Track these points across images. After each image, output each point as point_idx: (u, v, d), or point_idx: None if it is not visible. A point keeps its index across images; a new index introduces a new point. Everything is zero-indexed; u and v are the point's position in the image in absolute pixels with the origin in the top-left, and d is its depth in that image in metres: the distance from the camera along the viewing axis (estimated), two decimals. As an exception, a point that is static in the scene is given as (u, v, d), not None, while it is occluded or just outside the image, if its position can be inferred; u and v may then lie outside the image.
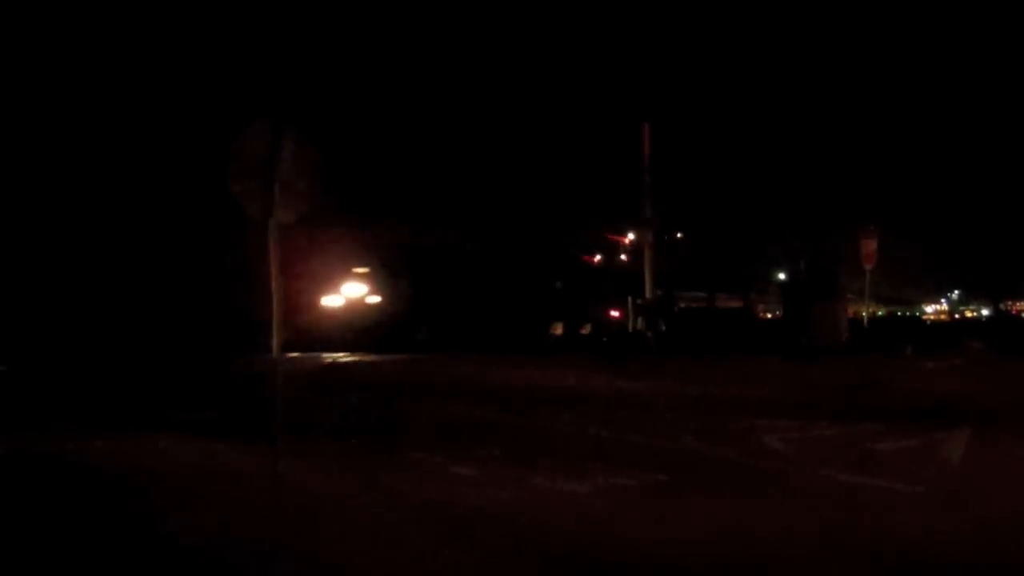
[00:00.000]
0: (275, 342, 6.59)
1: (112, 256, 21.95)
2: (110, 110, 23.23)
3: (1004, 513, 6.01)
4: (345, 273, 23.34)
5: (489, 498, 6.28)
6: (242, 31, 24.45)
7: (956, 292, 65.39)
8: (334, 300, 23.17)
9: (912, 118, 41.52)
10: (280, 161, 6.54)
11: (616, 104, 24.81)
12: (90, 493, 6.52)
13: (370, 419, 10.24)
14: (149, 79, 23.61)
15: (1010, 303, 56.31)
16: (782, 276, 37.41)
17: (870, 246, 22.07)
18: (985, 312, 56.60)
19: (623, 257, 30.27)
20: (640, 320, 22.18)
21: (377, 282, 23.61)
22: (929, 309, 62.95)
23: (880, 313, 36.89)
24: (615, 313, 25.45)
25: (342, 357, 18.80)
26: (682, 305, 29.93)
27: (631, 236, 28.23)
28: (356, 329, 22.02)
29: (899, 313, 49.58)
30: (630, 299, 22.79)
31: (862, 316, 25.25)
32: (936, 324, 45.04)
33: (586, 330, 26.92)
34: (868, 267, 22.32)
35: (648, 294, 22.01)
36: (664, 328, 21.91)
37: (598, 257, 31.44)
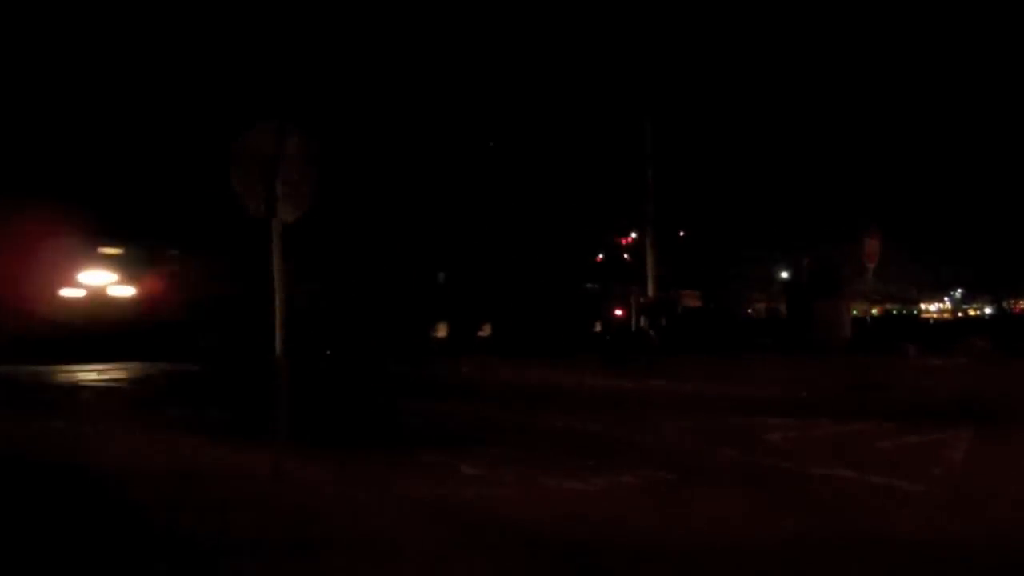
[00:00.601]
0: (277, 342, 6.60)
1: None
2: (111, 110, 23.22)
3: (1006, 511, 6.00)
4: (90, 255, 17.62)
5: (495, 497, 6.28)
6: (242, 31, 24.45)
7: (959, 291, 65.39)
8: (73, 291, 17.50)
9: (915, 117, 41.59)
10: (283, 159, 6.56)
11: (617, 104, 24.80)
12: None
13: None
14: (148, 79, 23.60)
15: (1013, 301, 56.31)
16: (784, 275, 37.32)
17: (873, 245, 22.01)
18: (988, 310, 56.63)
19: (625, 256, 30.24)
20: (643, 319, 22.20)
21: (134, 266, 17.53)
22: (932, 307, 62.98)
23: (874, 312, 36.82)
24: (619, 312, 25.50)
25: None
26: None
27: (633, 235, 28.21)
28: (100, 331, 16.48)
29: (894, 312, 49.52)
30: (633, 298, 22.80)
31: (870, 314, 25.26)
32: (939, 322, 45.06)
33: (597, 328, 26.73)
34: (870, 266, 22.26)
35: (650, 293, 22.04)
36: (665, 326, 21.94)
37: (600, 256, 31.42)
